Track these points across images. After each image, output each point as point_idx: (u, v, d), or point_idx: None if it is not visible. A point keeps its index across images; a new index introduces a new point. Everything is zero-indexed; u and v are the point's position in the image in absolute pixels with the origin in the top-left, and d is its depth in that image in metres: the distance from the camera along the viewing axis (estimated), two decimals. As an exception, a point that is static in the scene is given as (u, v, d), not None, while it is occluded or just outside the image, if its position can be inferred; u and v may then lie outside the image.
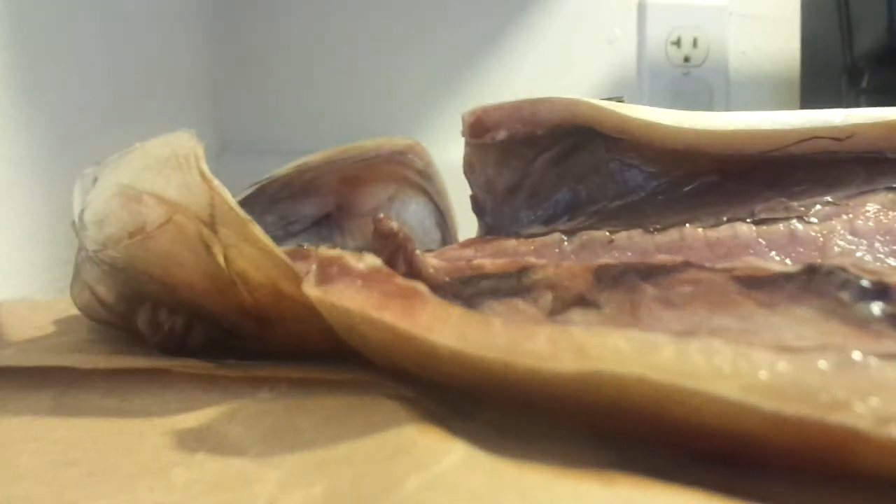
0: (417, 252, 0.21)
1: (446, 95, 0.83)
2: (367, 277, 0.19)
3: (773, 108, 0.82)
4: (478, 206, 0.29)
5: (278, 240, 0.31)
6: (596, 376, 0.15)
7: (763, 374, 0.14)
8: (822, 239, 0.20)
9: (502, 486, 0.14)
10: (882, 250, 0.20)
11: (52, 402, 0.21)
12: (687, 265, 0.19)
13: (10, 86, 0.46)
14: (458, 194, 0.33)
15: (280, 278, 0.22)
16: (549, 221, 0.26)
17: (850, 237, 0.20)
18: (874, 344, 0.16)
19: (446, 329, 0.17)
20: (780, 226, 0.21)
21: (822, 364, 0.14)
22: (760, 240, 0.21)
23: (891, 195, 0.21)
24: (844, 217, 0.21)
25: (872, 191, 0.21)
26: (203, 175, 0.22)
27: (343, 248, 0.21)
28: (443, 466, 0.15)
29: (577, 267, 0.20)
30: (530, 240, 0.23)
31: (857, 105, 0.23)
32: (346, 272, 0.19)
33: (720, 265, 0.19)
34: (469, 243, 0.24)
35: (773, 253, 0.20)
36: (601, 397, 0.16)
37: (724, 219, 0.22)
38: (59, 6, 0.52)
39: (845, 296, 0.17)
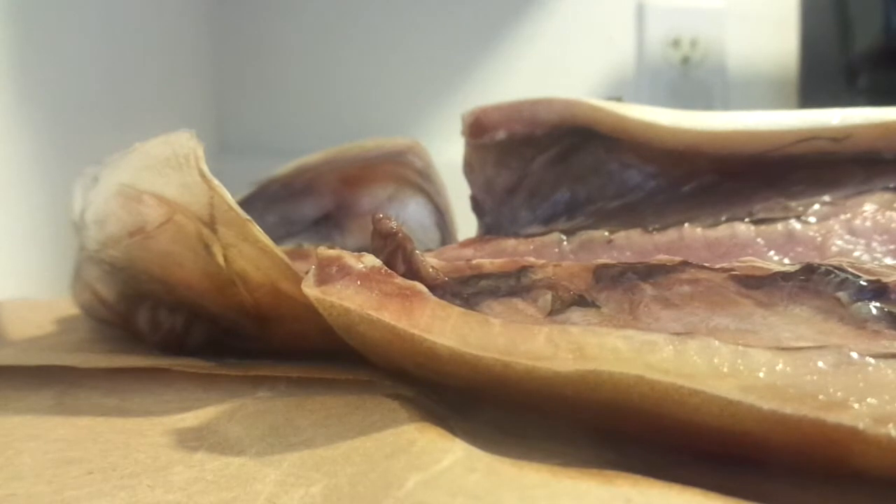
0: (416, 252, 0.21)
1: (446, 95, 0.83)
2: (367, 277, 0.19)
3: (771, 108, 0.82)
4: (477, 206, 0.29)
5: (278, 240, 0.31)
6: (595, 376, 0.15)
7: (762, 374, 0.14)
8: (820, 238, 0.20)
9: (501, 485, 0.14)
10: (880, 250, 0.20)
11: (52, 401, 0.21)
12: (685, 265, 0.19)
13: (10, 86, 0.46)
14: (458, 194, 0.33)
15: (279, 278, 0.22)
16: (549, 221, 0.26)
17: (847, 237, 0.20)
18: (872, 343, 0.16)
19: (445, 329, 0.17)
20: (779, 225, 0.21)
21: (821, 364, 0.14)
22: (759, 239, 0.21)
23: (888, 195, 0.21)
24: (842, 217, 0.21)
25: (870, 191, 0.21)
26: (203, 175, 0.22)
27: (343, 247, 0.21)
28: (442, 465, 0.15)
29: (577, 267, 0.20)
30: (529, 239, 0.23)
31: (855, 105, 0.23)
32: (345, 272, 0.19)
33: (719, 265, 0.19)
34: (468, 243, 0.24)
35: (772, 252, 0.20)
36: (600, 397, 0.16)
37: (723, 218, 0.22)
38: (59, 6, 0.52)
39: (843, 295, 0.17)
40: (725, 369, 0.14)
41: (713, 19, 0.81)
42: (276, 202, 0.35)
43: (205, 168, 0.22)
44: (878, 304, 0.17)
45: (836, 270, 0.18)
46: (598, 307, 0.19)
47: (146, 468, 0.17)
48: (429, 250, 0.24)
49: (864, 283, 0.17)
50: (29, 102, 0.48)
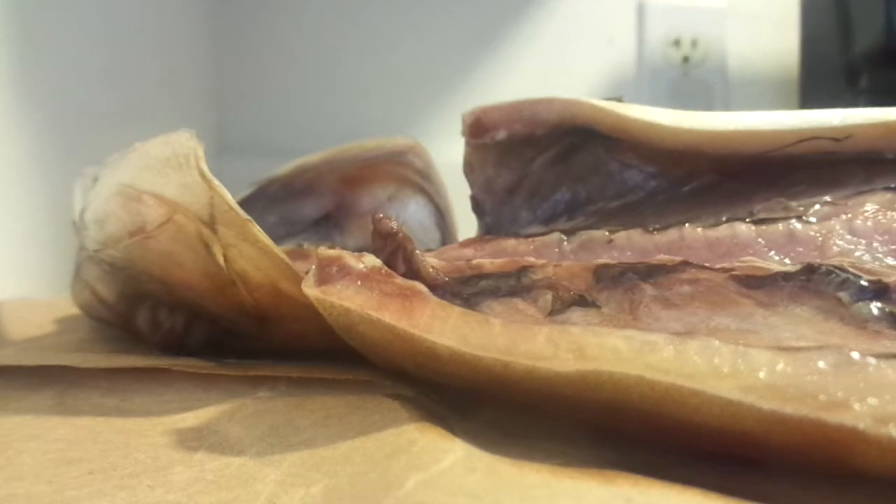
0: (417, 252, 0.21)
1: (446, 95, 0.83)
2: (367, 277, 0.19)
3: (772, 108, 0.82)
4: (477, 206, 0.29)
5: (278, 240, 0.31)
6: (595, 376, 0.15)
7: (762, 374, 0.14)
8: (820, 239, 0.20)
9: (502, 485, 0.14)
10: (880, 250, 0.20)
11: (52, 401, 0.21)
12: (686, 265, 0.19)
13: (10, 86, 0.46)
14: (458, 194, 0.33)
15: (280, 278, 0.22)
16: (549, 221, 0.26)
17: (848, 237, 0.20)
18: (873, 343, 0.16)
19: (445, 329, 0.17)
20: (779, 225, 0.21)
21: (821, 364, 0.14)
22: (759, 239, 0.21)
23: (889, 195, 0.21)
24: (843, 217, 0.21)
25: (871, 191, 0.21)
26: (203, 175, 0.22)
27: (343, 247, 0.21)
28: (442, 465, 0.15)
29: (577, 267, 0.20)
30: (530, 239, 0.23)
31: (856, 105, 0.22)
32: (345, 272, 0.19)
33: (719, 265, 0.19)
34: (468, 243, 0.24)
35: (772, 252, 0.20)
36: (600, 397, 0.16)
37: (724, 218, 0.22)
38: (59, 6, 0.52)
39: (844, 295, 0.17)
40: (726, 369, 0.14)
41: (714, 19, 0.81)
42: (276, 202, 0.35)
43: (205, 168, 0.22)
44: (878, 305, 0.17)
45: (836, 270, 0.18)
46: (598, 307, 0.19)
47: (146, 468, 0.17)
48: (429, 250, 0.24)
49: (865, 284, 0.17)
50: (29, 102, 0.48)
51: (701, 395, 0.14)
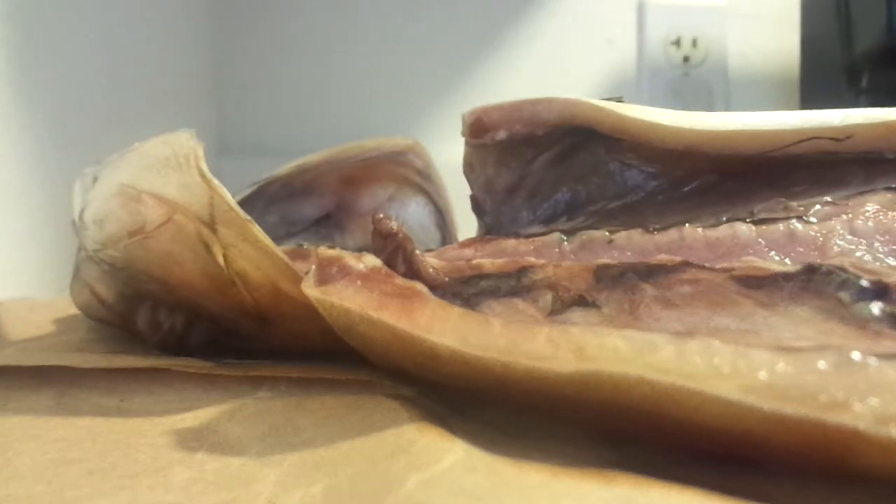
0: (417, 252, 0.21)
1: (446, 95, 0.83)
2: (367, 277, 0.19)
3: (773, 108, 0.81)
4: (477, 206, 0.29)
5: (278, 240, 0.31)
6: (595, 377, 0.15)
7: (762, 375, 0.14)
8: (821, 239, 0.20)
9: (502, 486, 0.14)
10: (881, 250, 0.20)
11: (52, 401, 0.21)
12: (686, 265, 0.19)
13: (10, 85, 0.46)
14: (458, 194, 0.33)
15: (280, 278, 0.22)
16: (549, 221, 0.26)
17: (849, 237, 0.20)
18: (873, 344, 0.16)
19: (446, 329, 0.17)
20: (780, 226, 0.21)
21: (822, 364, 0.14)
22: (760, 239, 0.21)
23: (890, 195, 0.21)
24: (844, 217, 0.21)
25: (871, 191, 0.21)
26: (203, 175, 0.22)
27: (343, 247, 0.21)
28: (442, 465, 0.15)
29: (577, 267, 0.20)
30: (530, 240, 0.23)
31: (857, 105, 0.22)
32: (345, 272, 0.19)
33: (719, 265, 0.19)
34: (468, 243, 0.24)
35: (773, 253, 0.20)
36: (600, 397, 0.16)
37: (724, 219, 0.22)
38: (59, 6, 0.52)
39: (844, 295, 0.17)
40: (726, 369, 0.14)
41: (714, 18, 0.81)
42: (276, 202, 0.35)
43: (205, 168, 0.22)
44: (879, 305, 0.17)
45: (837, 270, 0.18)
46: (598, 307, 0.19)
47: (146, 468, 0.17)
48: (429, 250, 0.24)
49: (866, 284, 0.17)
50: (29, 102, 0.48)
51: (701, 396, 0.14)
